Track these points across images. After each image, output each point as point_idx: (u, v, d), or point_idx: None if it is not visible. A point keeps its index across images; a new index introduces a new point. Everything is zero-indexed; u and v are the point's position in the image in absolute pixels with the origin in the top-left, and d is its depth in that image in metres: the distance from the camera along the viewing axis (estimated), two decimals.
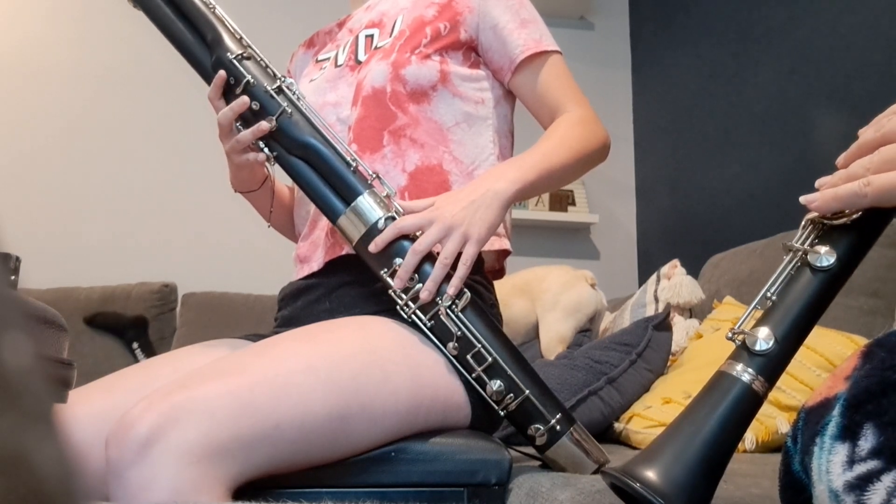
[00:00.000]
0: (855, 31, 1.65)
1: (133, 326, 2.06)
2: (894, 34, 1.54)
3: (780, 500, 0.49)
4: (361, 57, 1.01)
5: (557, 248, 2.64)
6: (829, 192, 0.54)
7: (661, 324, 1.44)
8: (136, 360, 2.00)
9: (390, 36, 1.00)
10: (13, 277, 0.52)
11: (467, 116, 0.98)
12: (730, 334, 0.56)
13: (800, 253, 0.56)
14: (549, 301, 1.70)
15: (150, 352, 2.05)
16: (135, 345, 2.04)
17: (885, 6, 1.57)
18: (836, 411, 0.42)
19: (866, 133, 0.54)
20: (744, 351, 0.55)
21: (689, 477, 0.51)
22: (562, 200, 2.62)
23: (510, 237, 1.01)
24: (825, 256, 0.55)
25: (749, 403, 0.54)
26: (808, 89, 1.82)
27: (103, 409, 0.76)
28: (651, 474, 0.51)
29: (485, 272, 0.99)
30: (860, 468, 0.38)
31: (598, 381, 1.31)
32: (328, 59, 1.07)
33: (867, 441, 0.39)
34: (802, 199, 0.56)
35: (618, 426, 1.29)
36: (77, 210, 2.35)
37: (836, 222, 0.56)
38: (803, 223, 0.58)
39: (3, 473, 0.13)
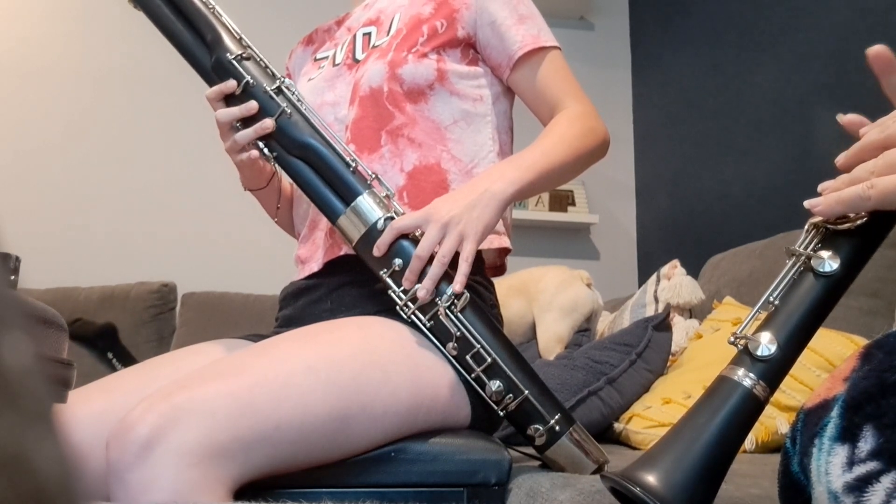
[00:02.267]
0: (855, 31, 1.65)
1: (102, 335, 1.99)
2: (894, 34, 1.54)
3: (779, 500, 0.49)
4: (359, 56, 1.01)
5: (557, 249, 2.64)
6: (833, 195, 0.53)
7: (661, 324, 1.44)
8: (115, 370, 1.92)
9: (387, 34, 1.00)
10: (13, 277, 0.52)
11: (465, 114, 0.98)
12: (732, 339, 0.56)
13: (802, 258, 0.56)
14: (545, 301, 1.70)
15: (126, 359, 1.97)
16: (109, 354, 1.98)
17: (885, 6, 1.57)
18: (834, 413, 0.42)
19: (870, 134, 0.54)
20: (745, 356, 0.55)
21: (689, 482, 0.51)
22: (562, 200, 2.62)
23: (510, 235, 1.01)
24: (828, 262, 0.55)
25: (750, 408, 0.54)
26: (808, 89, 1.82)
27: (103, 410, 0.76)
28: (651, 479, 0.51)
29: (485, 272, 0.99)
30: (859, 469, 0.38)
31: (597, 381, 1.31)
32: (327, 57, 1.07)
33: (866, 443, 0.39)
34: (807, 203, 0.55)
35: (617, 426, 1.29)
36: (77, 210, 2.35)
37: (839, 227, 0.55)
38: (806, 227, 0.58)
39: (3, 473, 0.13)
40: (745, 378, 0.54)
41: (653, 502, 0.50)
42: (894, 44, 1.62)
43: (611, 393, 1.31)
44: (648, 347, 1.38)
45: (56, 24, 2.43)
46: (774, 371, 0.54)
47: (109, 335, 2.00)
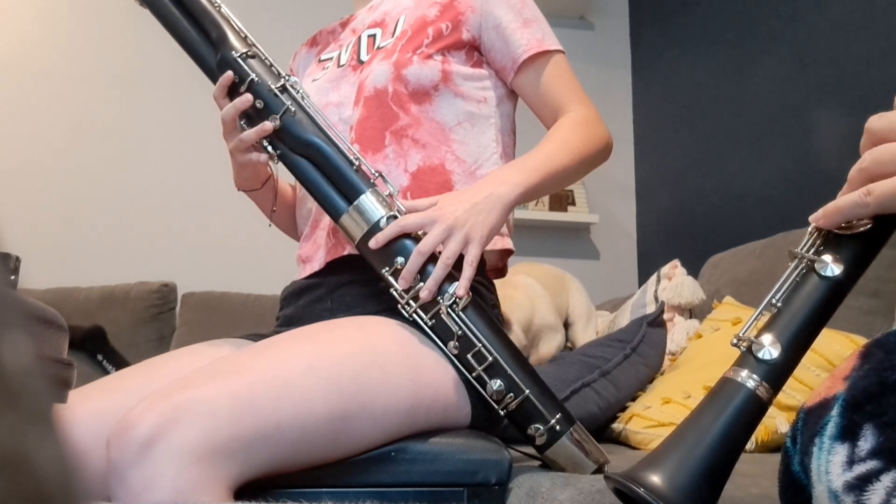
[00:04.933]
0: (855, 31, 1.65)
1: (90, 338, 1.95)
2: (894, 34, 1.54)
3: (779, 500, 0.49)
4: (364, 57, 1.02)
5: (557, 248, 2.64)
6: (832, 205, 0.53)
7: (656, 321, 1.45)
8: (107, 373, 1.89)
9: (392, 36, 1.00)
10: (13, 277, 0.52)
11: (469, 116, 0.99)
12: (734, 340, 0.56)
13: (805, 261, 0.56)
14: (579, 329, 1.75)
15: (117, 361, 1.94)
16: (99, 356, 1.96)
17: (885, 5, 1.57)
18: (834, 412, 0.42)
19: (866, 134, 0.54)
20: (749, 357, 0.55)
21: (693, 483, 0.52)
22: (562, 200, 2.62)
23: (512, 237, 1.01)
24: (831, 265, 0.55)
25: (753, 410, 0.54)
26: (808, 89, 1.82)
27: (103, 409, 0.76)
28: (656, 479, 0.51)
29: (486, 272, 0.99)
30: (859, 468, 0.38)
31: (591, 373, 1.32)
32: (331, 58, 1.07)
33: (866, 441, 0.39)
34: (811, 218, 0.56)
35: (617, 426, 1.30)
36: (77, 210, 2.35)
37: (841, 231, 0.56)
38: (809, 230, 0.58)
39: (3, 473, 0.13)
40: (749, 379, 0.54)
41: (657, 503, 0.50)
42: (893, 44, 1.60)
43: (605, 385, 1.31)
44: (643, 343, 1.39)
45: (57, 24, 2.43)
46: (778, 373, 0.54)
47: (98, 338, 1.97)
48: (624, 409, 1.35)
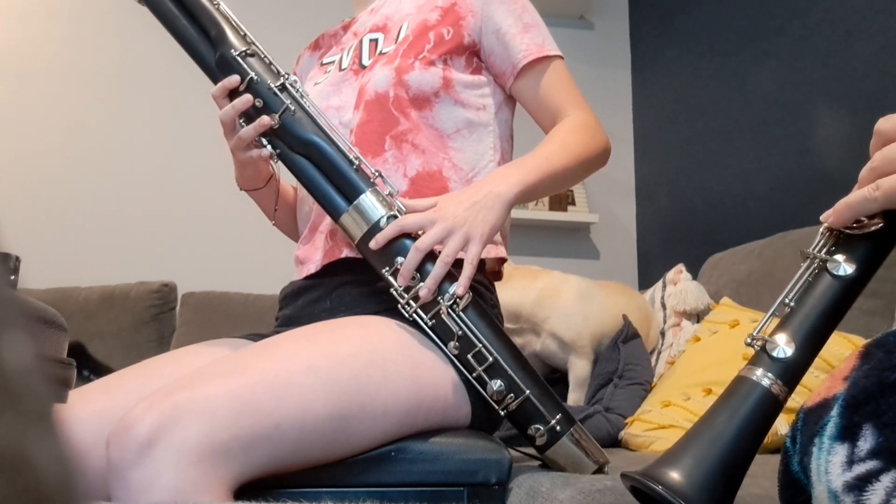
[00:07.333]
0: (855, 31, 1.65)
1: (71, 355, 1.96)
2: (893, 34, 1.54)
3: (779, 500, 0.49)
4: (366, 62, 1.02)
5: (557, 248, 2.64)
6: (841, 202, 0.55)
7: (627, 336, 1.54)
8: None
9: (395, 42, 1.00)
10: (13, 277, 0.52)
11: (468, 123, 0.99)
12: (748, 339, 0.57)
13: (817, 260, 0.57)
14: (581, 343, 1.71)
15: (101, 373, 1.88)
16: (85, 372, 1.94)
17: (885, 5, 1.57)
18: (834, 412, 0.42)
19: (873, 142, 0.55)
20: (763, 356, 0.56)
21: (710, 480, 0.52)
22: (562, 200, 2.62)
23: (507, 245, 1.02)
24: (844, 265, 0.56)
25: (769, 408, 0.54)
26: (808, 89, 1.82)
27: (103, 409, 0.76)
28: (675, 476, 0.52)
29: (486, 272, 0.99)
30: (859, 468, 0.38)
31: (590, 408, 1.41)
32: (333, 62, 1.07)
33: (866, 442, 0.39)
34: (822, 217, 0.57)
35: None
36: (77, 210, 2.35)
37: (853, 231, 0.56)
38: (821, 230, 0.59)
39: (3, 473, 0.13)
40: (764, 378, 0.54)
41: (675, 500, 0.50)
42: (893, 44, 1.60)
43: (608, 416, 1.39)
44: (627, 366, 1.48)
45: (56, 24, 2.43)
46: (792, 371, 0.55)
47: (78, 353, 1.96)
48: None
